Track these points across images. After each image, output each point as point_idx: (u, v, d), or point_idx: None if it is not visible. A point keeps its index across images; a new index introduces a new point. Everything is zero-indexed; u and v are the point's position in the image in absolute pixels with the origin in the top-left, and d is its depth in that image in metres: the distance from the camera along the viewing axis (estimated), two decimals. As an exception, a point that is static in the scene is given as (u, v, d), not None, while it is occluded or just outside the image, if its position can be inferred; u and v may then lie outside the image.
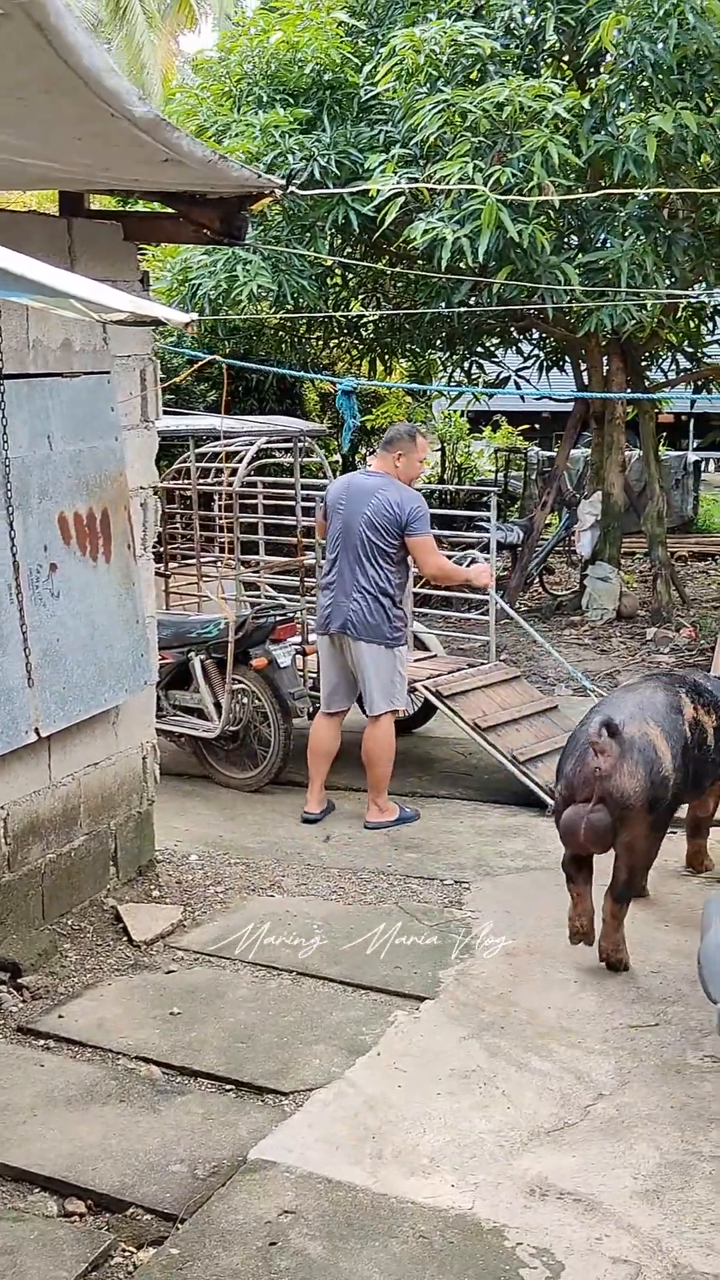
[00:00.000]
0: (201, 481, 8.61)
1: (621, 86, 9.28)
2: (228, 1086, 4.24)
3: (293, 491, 8.25)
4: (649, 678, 5.61)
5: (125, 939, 5.32)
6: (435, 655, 8.31)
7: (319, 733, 6.92)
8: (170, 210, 5.36)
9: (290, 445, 8.57)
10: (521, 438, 20.20)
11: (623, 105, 9.49)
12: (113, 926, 5.42)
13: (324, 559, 7.01)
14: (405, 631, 6.83)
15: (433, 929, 5.43)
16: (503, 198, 8.54)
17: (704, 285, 10.97)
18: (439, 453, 18.98)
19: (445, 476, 18.57)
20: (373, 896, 5.82)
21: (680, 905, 5.66)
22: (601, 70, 9.55)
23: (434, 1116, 4.00)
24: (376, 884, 5.97)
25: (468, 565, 8.05)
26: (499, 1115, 4.01)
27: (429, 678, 7.50)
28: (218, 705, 7.31)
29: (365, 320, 12.83)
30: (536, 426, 21.58)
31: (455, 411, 18.74)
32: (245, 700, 7.36)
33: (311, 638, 7.53)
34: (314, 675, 7.62)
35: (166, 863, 6.11)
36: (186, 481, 8.56)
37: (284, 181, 4.60)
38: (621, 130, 8.98)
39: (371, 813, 6.85)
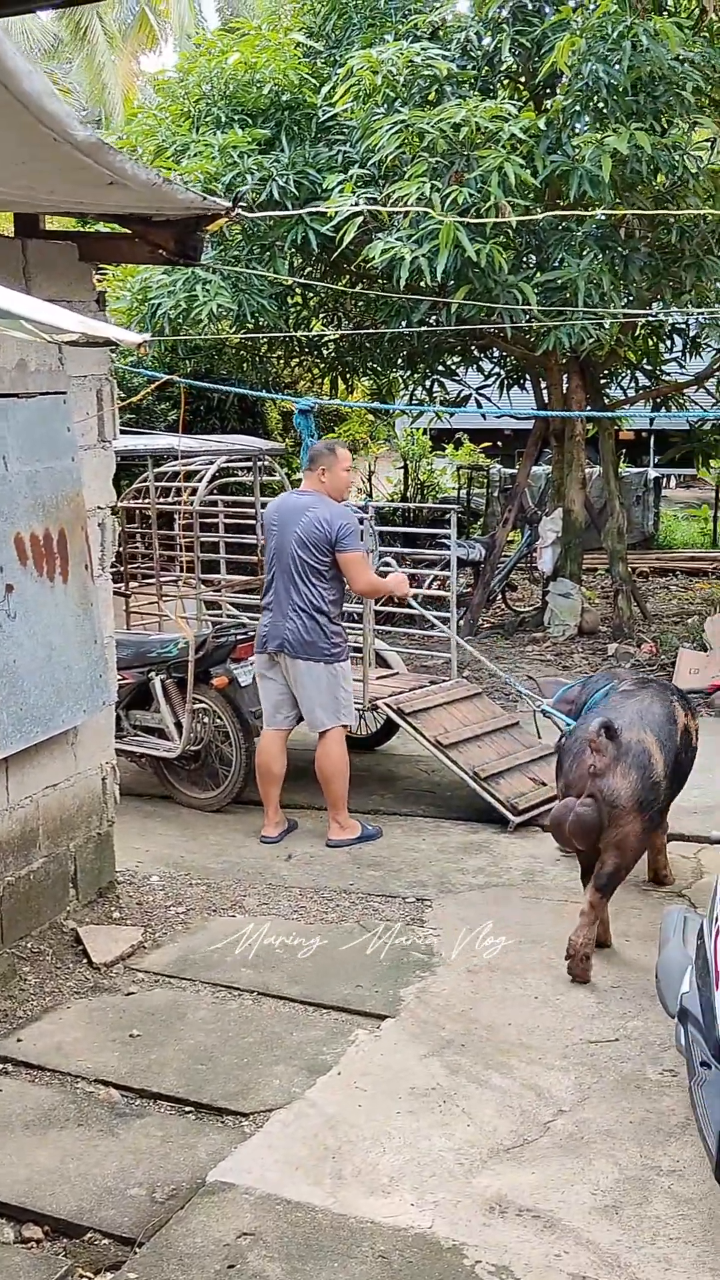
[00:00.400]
0: (161, 501, 8.60)
1: (577, 108, 9.37)
2: (187, 1108, 4.22)
3: (254, 510, 8.26)
4: (644, 684, 5.79)
5: (85, 961, 5.29)
6: (397, 672, 8.32)
7: (266, 752, 6.90)
8: (126, 231, 5.37)
9: (251, 464, 8.58)
10: (484, 455, 20.28)
11: (578, 126, 9.58)
12: (72, 949, 5.39)
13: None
14: (344, 647, 6.80)
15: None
16: (461, 220, 8.59)
17: (661, 304, 11.07)
18: (402, 470, 19.04)
19: (408, 494, 18.62)
20: (334, 915, 5.81)
21: (641, 920, 5.68)
22: (557, 91, 9.64)
23: (394, 1135, 4.00)
24: (338, 902, 5.96)
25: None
26: (459, 1133, 4.01)
27: (391, 695, 7.51)
28: (178, 725, 7.29)
29: (326, 339, 12.87)
30: (499, 444, 21.69)
31: (418, 429, 18.82)
32: (206, 719, 7.35)
33: None
34: None
35: (127, 884, 6.08)
36: (147, 501, 8.55)
37: (230, 204, 4.60)
38: (577, 151, 9.06)
39: (333, 830, 6.84)
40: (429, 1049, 4.55)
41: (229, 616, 8.37)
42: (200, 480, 7.96)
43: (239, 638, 7.38)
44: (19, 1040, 4.63)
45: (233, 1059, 4.49)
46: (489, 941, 5.45)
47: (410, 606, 7.63)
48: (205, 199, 4.47)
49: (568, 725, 6.11)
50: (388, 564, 8.32)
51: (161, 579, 8.51)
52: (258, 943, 5.45)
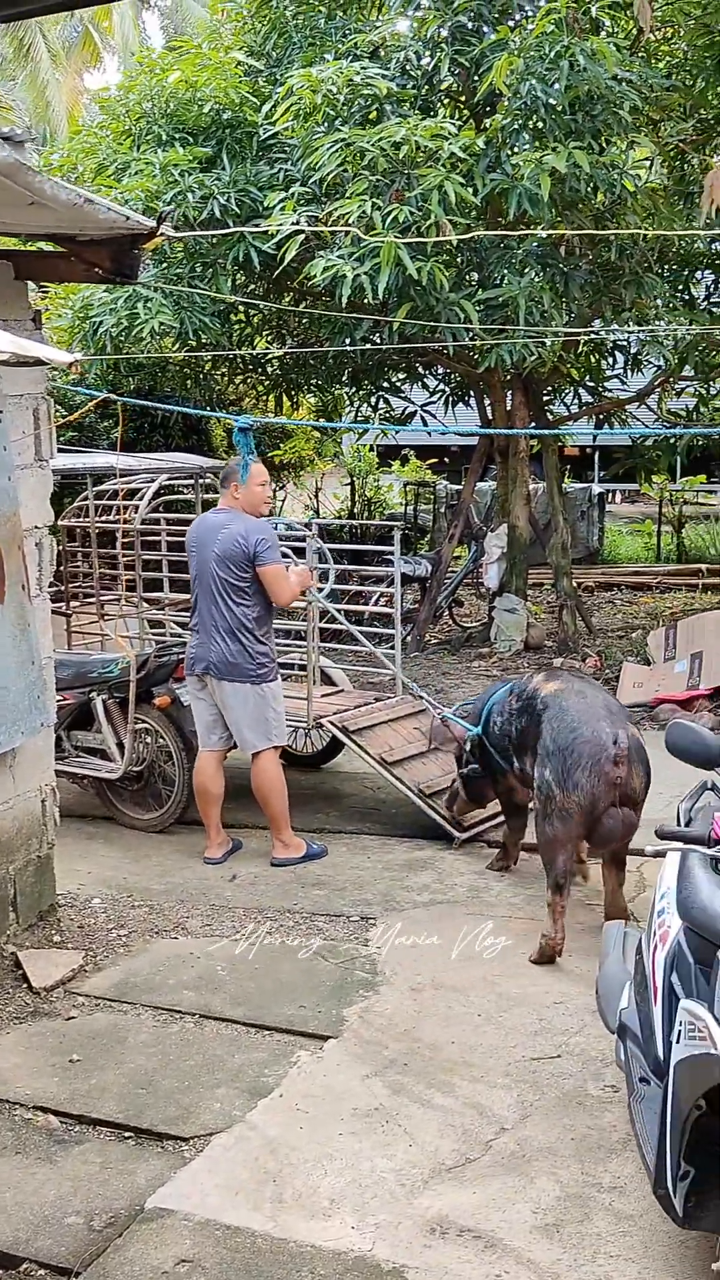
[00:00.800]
0: (102, 519, 8.56)
1: (516, 126, 9.43)
2: (127, 1134, 4.17)
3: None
4: (568, 678, 6.09)
5: (25, 986, 5.22)
6: (342, 690, 8.30)
7: (203, 773, 6.82)
8: (62, 249, 5.34)
9: (193, 482, 8.55)
10: (430, 471, 20.36)
11: (517, 145, 9.64)
12: (12, 974, 5.32)
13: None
14: (271, 667, 6.65)
15: (338, 966, 5.40)
16: (402, 239, 8.61)
17: (602, 321, 11.16)
18: (348, 487, 19.07)
19: (355, 510, 18.65)
20: (278, 935, 5.77)
21: (584, 934, 5.69)
22: (496, 110, 9.69)
23: (335, 1157, 3.97)
24: (282, 922, 5.93)
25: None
26: (401, 1153, 3.99)
27: (335, 713, 7.50)
28: (120, 745, 7.24)
29: (270, 357, 12.87)
30: (445, 460, 21.80)
31: (364, 446, 18.86)
32: (149, 739, 7.30)
33: None
34: None
35: (68, 907, 6.02)
36: (88, 520, 8.51)
37: (155, 223, 4.59)
38: (516, 169, 9.11)
39: (277, 849, 6.80)
40: (371, 1069, 4.52)
41: (172, 635, 8.33)
42: (141, 499, 7.93)
43: (181, 657, 7.32)
44: (-44, 1068, 4.57)
45: (174, 1083, 4.45)
46: (433, 959, 5.44)
47: (312, 598, 7.43)
48: (129, 218, 4.45)
49: (470, 731, 6.51)
50: (324, 577, 8.28)
51: (102, 598, 8.46)
52: (200, 964, 5.41)
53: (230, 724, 6.69)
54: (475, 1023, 4.87)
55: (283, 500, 18.29)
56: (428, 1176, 3.87)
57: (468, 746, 6.59)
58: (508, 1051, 4.65)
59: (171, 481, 8.53)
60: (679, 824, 4.04)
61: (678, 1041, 3.21)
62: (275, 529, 7.13)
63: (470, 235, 8.92)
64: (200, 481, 8.46)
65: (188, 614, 8.20)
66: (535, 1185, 3.81)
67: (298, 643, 8.16)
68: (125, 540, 8.12)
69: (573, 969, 5.33)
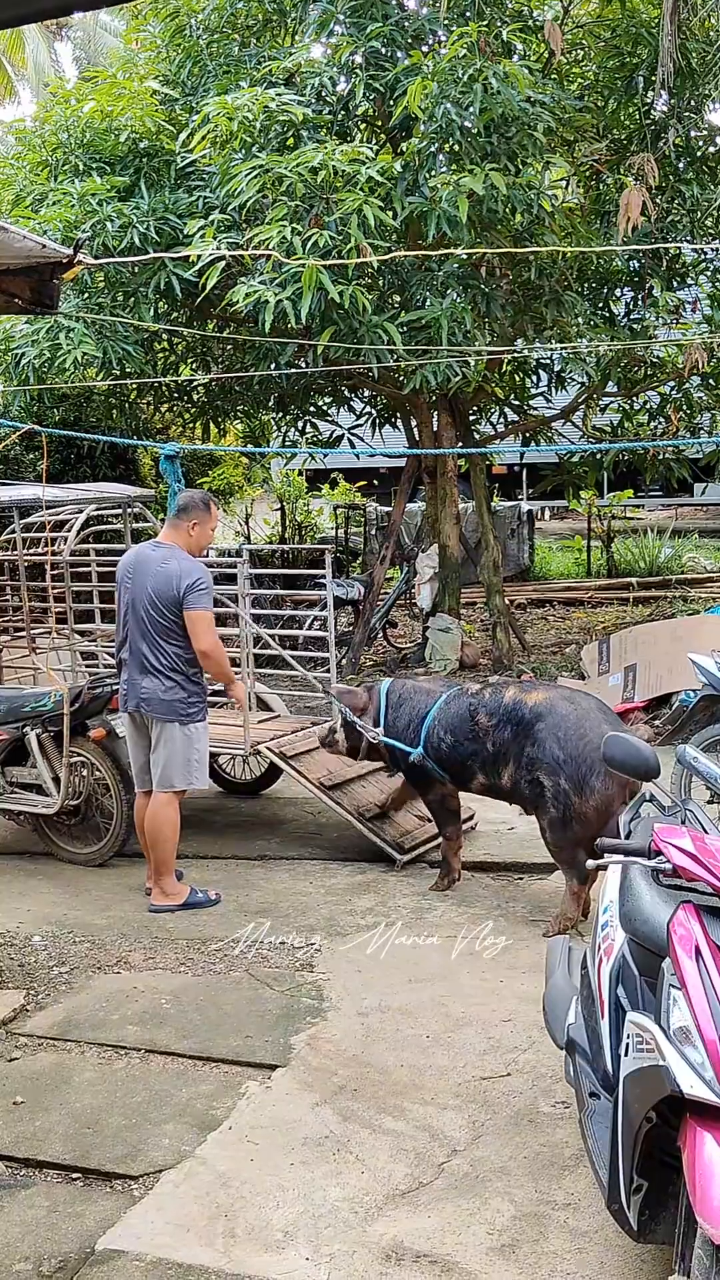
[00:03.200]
0: (30, 552, 8.48)
1: (432, 149, 9.51)
2: (75, 1176, 4.09)
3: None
4: (547, 685, 6.30)
5: (-35, 1028, 5.13)
6: (279, 715, 8.27)
7: (141, 812, 6.64)
8: (-21, 281, 5.29)
9: (121, 512, 8.50)
10: (359, 494, 20.41)
11: (434, 168, 9.71)
12: (-48, 1016, 5.22)
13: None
14: (202, 707, 6.49)
15: (284, 994, 5.36)
16: (323, 264, 8.64)
17: (524, 340, 11.25)
18: (279, 512, 19.06)
19: (286, 535, 18.64)
20: (222, 966, 5.72)
21: (529, 951, 5.69)
22: (412, 134, 9.76)
23: (287, 1188, 3.92)
24: (226, 952, 5.87)
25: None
26: (353, 1181, 3.95)
27: (273, 738, 7.46)
28: (56, 780, 7.15)
29: (195, 384, 12.84)
30: (374, 482, 21.85)
31: (293, 470, 18.87)
32: (85, 773, 7.22)
33: None
34: None
35: (8, 945, 5.93)
36: (16, 553, 8.42)
37: (71, 251, 4.56)
38: (434, 192, 9.18)
39: (155, 896, 6.54)
40: (321, 1096, 4.48)
41: (105, 666, 8.26)
42: (70, 530, 7.86)
43: (115, 688, 7.25)
44: None
45: (121, 1120, 4.38)
46: (379, 983, 5.41)
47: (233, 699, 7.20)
48: (45, 246, 4.41)
49: (413, 752, 6.51)
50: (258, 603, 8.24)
51: (33, 631, 8.37)
52: (144, 999, 5.34)
53: (154, 759, 6.51)
54: (424, 1045, 4.85)
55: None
56: (381, 1203, 3.83)
57: (414, 761, 6.56)
58: (457, 1072, 4.63)
59: (100, 512, 8.46)
60: (619, 835, 4.07)
61: (626, 1054, 3.20)
62: (205, 554, 7.04)
63: (390, 257, 8.96)
64: (129, 510, 8.41)
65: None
66: (490, 1206, 3.79)
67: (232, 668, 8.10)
68: (55, 572, 8.04)
69: (520, 987, 5.33)
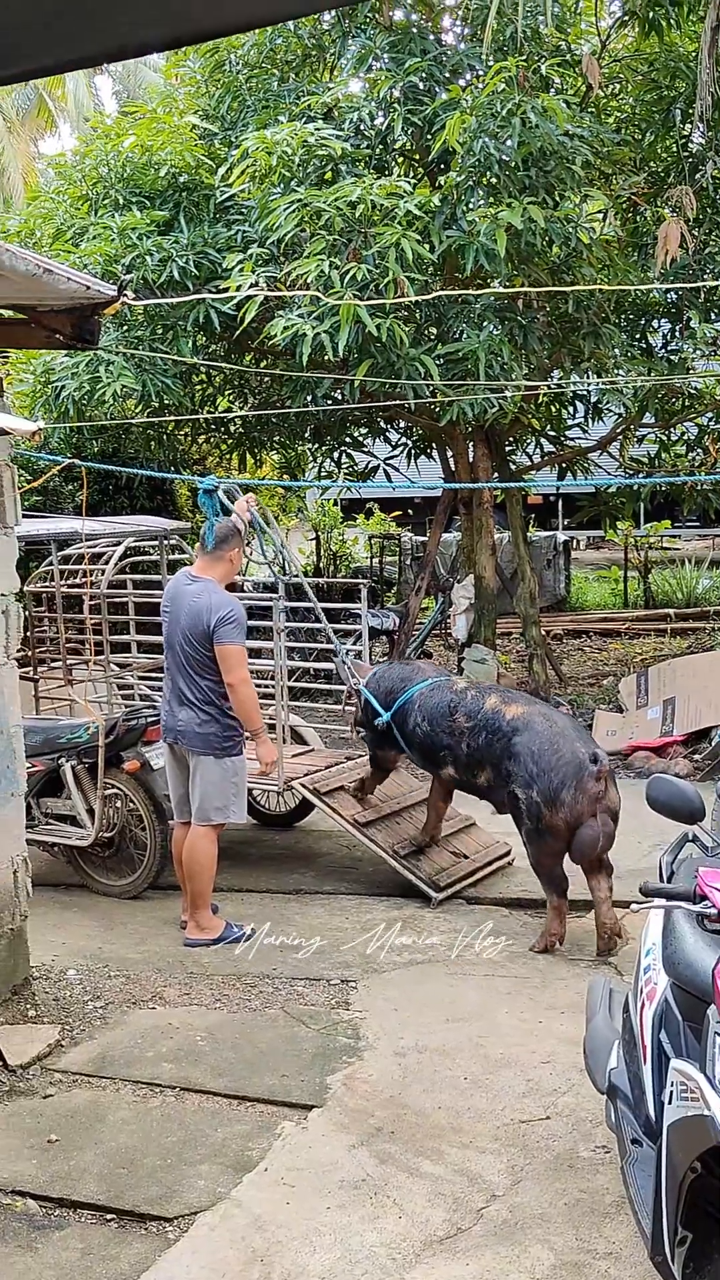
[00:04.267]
0: (68, 583, 8.50)
1: (470, 183, 9.52)
2: (109, 1216, 4.06)
3: (162, 590, 8.18)
4: (523, 699, 6.60)
5: (0, 1064, 5.11)
6: (313, 749, 8.24)
7: (179, 844, 6.64)
8: (20, 316, 5.32)
9: (159, 543, 8.52)
10: (395, 524, 20.41)
11: (472, 201, 9.73)
12: (-13, 1051, 5.20)
13: None
14: (239, 741, 6.48)
15: (320, 1032, 5.31)
16: (360, 302, 8.66)
17: (561, 371, 11.23)
18: (314, 541, 19.08)
19: (321, 565, 18.65)
20: (258, 1002, 5.68)
21: (568, 990, 5.62)
22: (450, 168, 9.78)
23: (324, 1232, 3.87)
24: (261, 988, 5.83)
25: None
26: (390, 1226, 3.90)
27: (306, 774, 7.43)
28: (90, 811, 7.15)
29: (233, 417, 12.89)
30: (409, 512, 21.84)
31: (328, 500, 18.90)
32: (119, 804, 7.21)
33: None
34: None
35: (43, 979, 5.91)
36: (54, 584, 8.45)
37: (115, 291, 4.57)
38: (472, 225, 9.19)
39: (191, 930, 6.52)
40: (358, 1138, 4.43)
41: (141, 698, 8.26)
42: (107, 561, 7.88)
43: (150, 720, 7.24)
44: (-69, 1153, 4.45)
45: (155, 1160, 4.35)
46: (415, 1021, 5.36)
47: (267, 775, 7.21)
48: (89, 287, 4.43)
49: (382, 716, 6.97)
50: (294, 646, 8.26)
51: (69, 663, 8.39)
52: (180, 1035, 5.31)
53: (193, 793, 6.50)
54: (462, 1086, 4.79)
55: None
56: (419, 1249, 3.78)
57: (378, 725, 7.01)
58: (496, 1115, 4.57)
59: (137, 543, 8.49)
60: (661, 878, 4.01)
61: (669, 1102, 3.15)
62: (242, 587, 7.05)
63: (429, 297, 8.97)
64: (166, 542, 8.42)
65: (157, 674, 8.15)
66: (529, 1254, 3.73)
67: (267, 700, 8.09)
68: (92, 603, 8.06)
69: (559, 1027, 5.26)
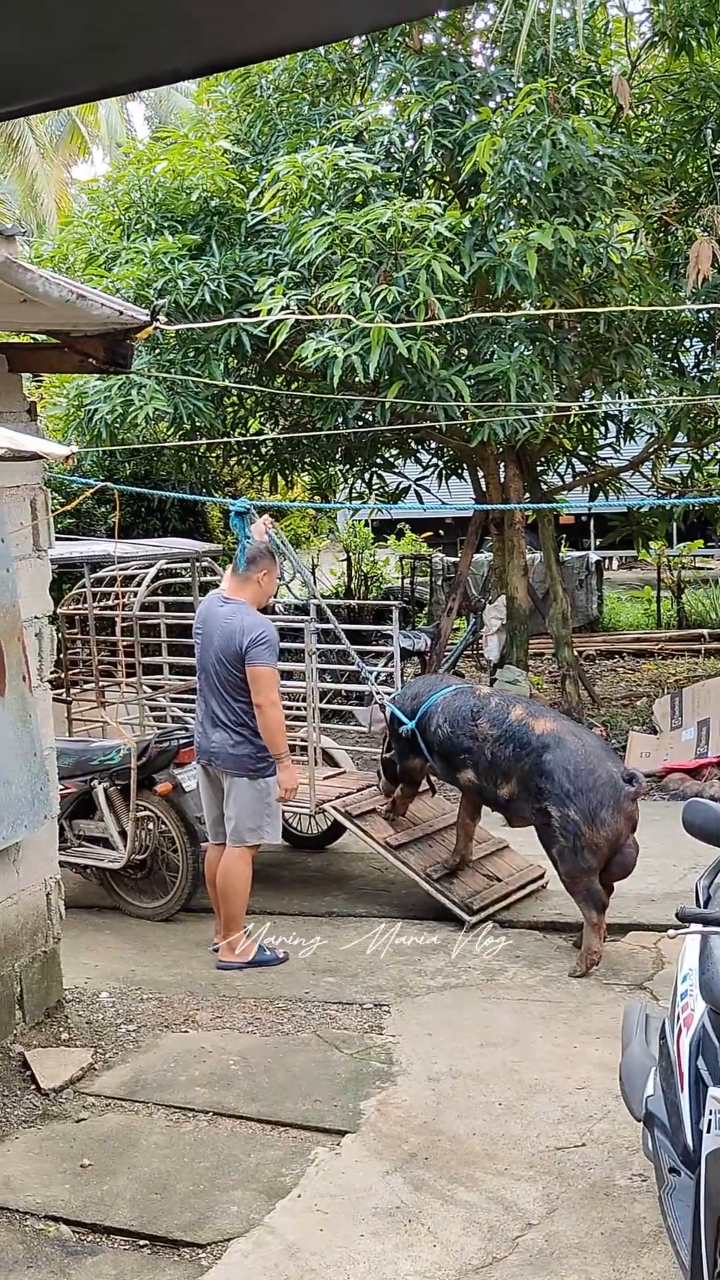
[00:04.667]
0: (100, 606, 8.53)
1: (501, 205, 9.53)
2: (142, 1242, 4.04)
3: (194, 612, 8.19)
4: (553, 715, 6.68)
5: (33, 1087, 5.09)
6: (344, 771, 8.22)
7: (212, 866, 6.61)
8: (54, 341, 5.35)
9: (190, 565, 8.54)
10: (426, 544, 20.39)
11: (503, 222, 9.74)
12: (20, 1074, 5.19)
13: None
14: (272, 762, 6.41)
15: (353, 1057, 5.28)
16: (391, 324, 8.67)
17: (592, 391, 11.21)
18: (345, 562, 19.10)
19: (353, 585, 18.65)
20: (290, 1026, 5.66)
21: (604, 1015, 5.57)
22: (481, 190, 9.80)
23: (357, 1260, 3.84)
24: (294, 1012, 5.81)
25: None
26: (425, 1254, 3.86)
27: (338, 797, 7.41)
28: (123, 833, 7.15)
29: (264, 438, 12.93)
30: (440, 532, 21.83)
31: (359, 521, 18.91)
32: (151, 827, 7.21)
33: None
34: None
35: (76, 1002, 5.90)
36: (87, 606, 8.48)
37: (149, 316, 4.59)
38: (503, 246, 9.20)
39: (223, 952, 6.49)
40: (392, 1164, 4.40)
41: (173, 720, 8.27)
42: (139, 584, 7.90)
43: (182, 742, 7.25)
44: (-36, 1177, 4.44)
45: (188, 1186, 4.32)
46: (449, 1046, 5.32)
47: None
48: (122, 313, 4.44)
49: (406, 725, 7.02)
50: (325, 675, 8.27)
51: (102, 684, 8.41)
52: (212, 1059, 5.29)
53: (225, 814, 6.49)
54: (496, 1112, 4.75)
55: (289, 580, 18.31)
56: (454, 1278, 3.74)
57: (403, 733, 7.08)
58: (531, 1142, 4.53)
59: (169, 565, 8.51)
60: (697, 902, 3.97)
61: (708, 1131, 3.10)
62: (273, 609, 7.06)
63: (460, 319, 8.97)
64: (198, 565, 8.44)
65: (189, 696, 8.15)
66: (565, 1284, 3.68)
67: (298, 722, 8.08)
68: (124, 624, 8.08)
69: (594, 1053, 5.21)
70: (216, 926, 6.65)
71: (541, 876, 7.38)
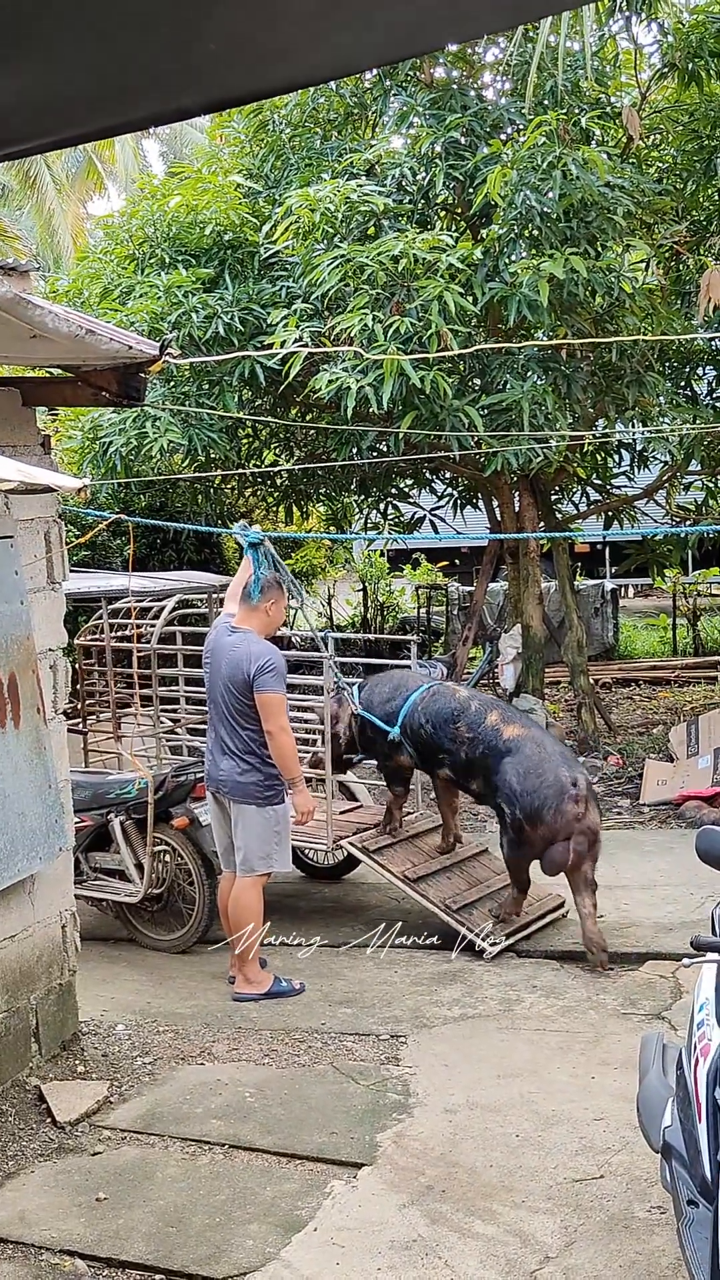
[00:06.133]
0: (116, 637, 8.55)
1: (512, 236, 9.58)
2: (158, 1276, 4.02)
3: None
4: (522, 720, 7.18)
5: (49, 1120, 5.08)
6: (361, 805, 8.21)
7: (225, 895, 6.61)
8: (68, 374, 5.39)
9: (206, 596, 8.56)
10: (441, 574, 20.41)
11: (514, 253, 9.79)
12: (36, 1107, 5.18)
13: None
14: (280, 789, 6.44)
15: (369, 1088, 5.26)
16: (404, 356, 8.71)
17: (605, 420, 11.24)
18: (361, 592, 19.12)
19: (368, 615, 18.67)
20: (307, 1058, 5.63)
21: (621, 1046, 5.53)
22: (492, 221, 9.86)
23: (375, 1295, 3.81)
24: (310, 1044, 5.79)
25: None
26: (442, 1289, 3.83)
27: (355, 832, 7.41)
28: (139, 867, 7.14)
29: (278, 469, 12.98)
30: (456, 561, 21.84)
31: (375, 552, 18.95)
32: (168, 860, 7.20)
33: None
34: None
35: (92, 1035, 5.89)
36: (103, 638, 8.50)
37: (157, 350, 4.63)
38: (515, 277, 9.24)
39: (239, 984, 6.48)
40: (408, 1197, 4.37)
41: (190, 751, 8.27)
42: (156, 616, 7.93)
43: (199, 776, 7.24)
44: (-20, 1211, 4.42)
45: (204, 1219, 4.30)
46: (466, 1078, 5.29)
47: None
48: (131, 347, 4.48)
49: (391, 731, 7.29)
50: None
51: (118, 716, 8.42)
52: (228, 1091, 5.27)
53: (235, 842, 6.48)
54: (514, 1144, 4.72)
55: (295, 609, 18.34)
56: (472, 1313, 3.71)
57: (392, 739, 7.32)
58: (549, 1174, 4.49)
59: (185, 596, 8.54)
60: (714, 931, 3.95)
61: (726, 1162, 3.08)
62: (291, 644, 7.10)
63: (472, 351, 9.02)
64: (215, 596, 8.46)
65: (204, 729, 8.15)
66: (584, 1319, 3.65)
67: (309, 749, 8.06)
68: (140, 655, 8.11)
69: (611, 1084, 5.18)
70: (232, 959, 6.63)
71: (561, 905, 7.36)
